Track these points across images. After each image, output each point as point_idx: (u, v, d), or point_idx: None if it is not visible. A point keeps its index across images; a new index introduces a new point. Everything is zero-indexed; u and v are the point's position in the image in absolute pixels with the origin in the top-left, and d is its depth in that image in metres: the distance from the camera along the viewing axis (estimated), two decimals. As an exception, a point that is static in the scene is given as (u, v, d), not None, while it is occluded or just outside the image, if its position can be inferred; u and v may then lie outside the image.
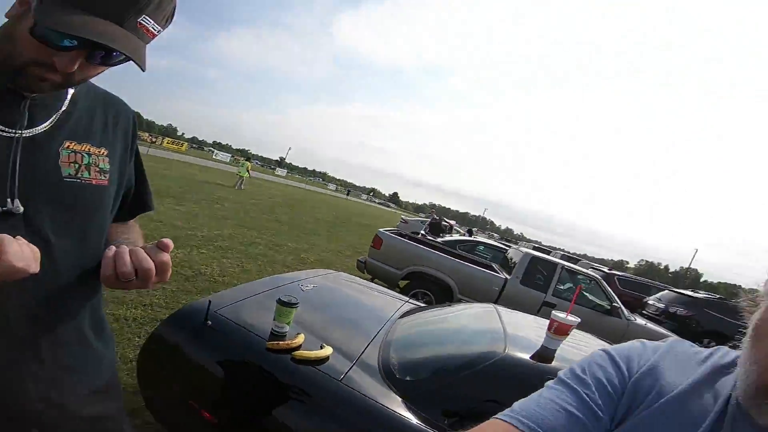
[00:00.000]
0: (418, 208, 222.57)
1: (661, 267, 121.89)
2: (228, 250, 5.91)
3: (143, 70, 0.62)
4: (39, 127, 0.66)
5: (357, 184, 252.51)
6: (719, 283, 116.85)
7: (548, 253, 25.07)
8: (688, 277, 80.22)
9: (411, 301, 3.23)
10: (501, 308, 2.51)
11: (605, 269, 16.69)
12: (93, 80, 0.70)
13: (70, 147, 0.70)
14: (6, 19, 0.62)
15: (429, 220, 15.11)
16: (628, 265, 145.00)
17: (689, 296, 10.56)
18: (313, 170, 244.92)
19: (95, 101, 0.78)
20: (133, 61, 0.60)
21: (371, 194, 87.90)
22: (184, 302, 3.35)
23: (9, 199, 0.61)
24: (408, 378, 1.71)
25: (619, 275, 14.78)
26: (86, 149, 0.72)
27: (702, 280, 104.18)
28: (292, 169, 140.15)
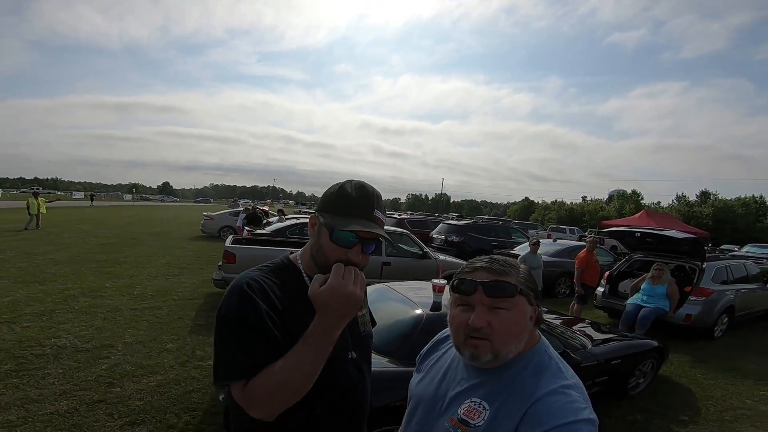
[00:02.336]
0: (198, 193, 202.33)
1: (423, 197, 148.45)
2: (58, 309, 5.02)
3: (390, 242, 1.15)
4: None
5: (109, 184, 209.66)
6: (462, 200, 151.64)
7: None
8: (442, 202, 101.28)
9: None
10: (389, 283, 3.52)
11: (396, 215, 18.74)
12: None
13: (359, 313, 1.15)
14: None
15: (239, 211, 14.78)
16: (400, 201, 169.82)
17: (456, 225, 13.74)
18: (34, 178, 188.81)
19: None
20: (382, 235, 1.03)
21: (134, 191, 75.07)
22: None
23: (351, 351, 1.10)
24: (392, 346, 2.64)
25: (406, 218, 17.84)
26: (363, 312, 1.17)
27: (451, 201, 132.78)
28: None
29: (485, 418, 0.89)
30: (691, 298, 5.91)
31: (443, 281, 2.70)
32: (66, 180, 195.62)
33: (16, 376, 3.35)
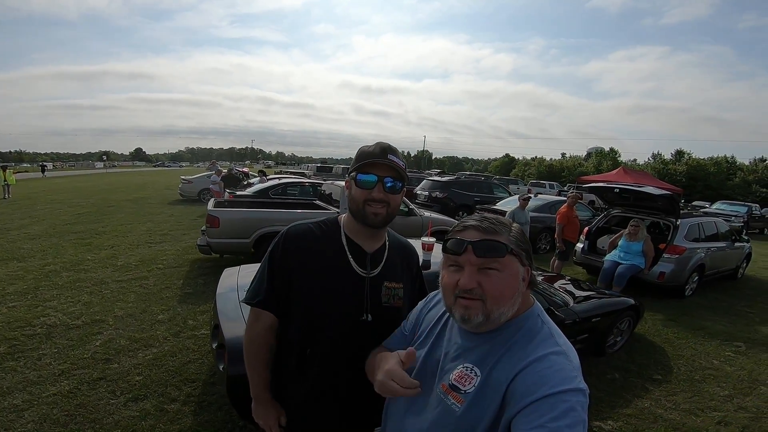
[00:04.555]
0: (173, 157, 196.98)
1: (406, 154, 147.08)
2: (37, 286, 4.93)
3: (407, 181, 1.23)
4: (375, 271, 1.25)
5: (78, 153, 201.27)
6: (444, 157, 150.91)
7: (331, 169, 27.49)
8: (424, 158, 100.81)
9: None
10: None
11: None
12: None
13: (388, 285, 1.26)
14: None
15: (212, 173, 14.42)
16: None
17: (440, 181, 13.88)
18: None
19: (397, 249, 1.35)
20: (404, 177, 1.20)
21: (105, 159, 71.14)
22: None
23: (366, 313, 1.21)
24: None
25: None
26: (393, 286, 1.27)
27: (433, 158, 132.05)
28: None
29: (476, 384, 0.87)
30: (665, 255, 6.03)
31: (432, 239, 2.67)
32: (31, 152, 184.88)
33: (12, 359, 3.32)
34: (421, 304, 1.20)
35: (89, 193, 18.21)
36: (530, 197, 7.28)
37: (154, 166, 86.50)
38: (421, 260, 2.75)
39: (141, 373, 3.21)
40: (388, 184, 1.18)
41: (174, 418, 2.71)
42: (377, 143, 1.23)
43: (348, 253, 1.23)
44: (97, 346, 3.61)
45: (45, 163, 53.70)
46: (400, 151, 1.24)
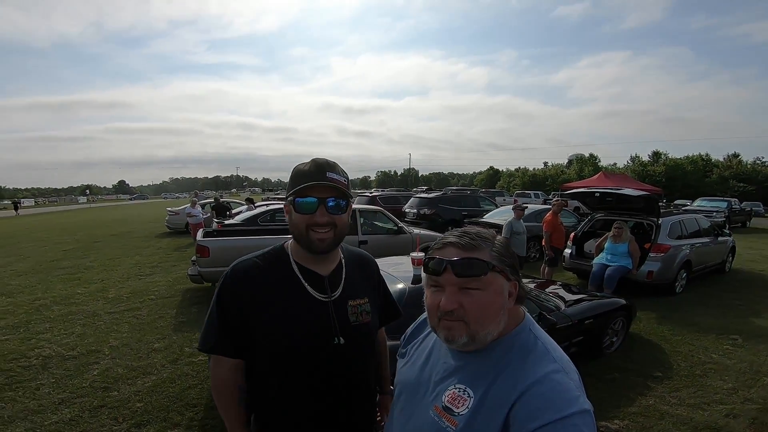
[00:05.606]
0: (158, 189, 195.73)
1: (392, 173, 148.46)
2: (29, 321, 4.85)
3: (350, 198, 1.16)
4: (336, 293, 1.19)
5: (59, 187, 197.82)
6: (430, 174, 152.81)
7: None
8: (411, 176, 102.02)
9: None
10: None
11: (367, 193, 19.07)
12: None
13: (352, 304, 1.21)
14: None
15: (191, 203, 14.25)
16: (371, 179, 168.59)
17: (426, 198, 14.12)
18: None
19: (353, 263, 1.29)
20: (347, 194, 1.13)
21: (88, 193, 69.97)
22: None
23: (337, 337, 1.15)
24: None
25: (378, 195, 17.91)
26: (358, 303, 1.22)
27: (420, 175, 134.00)
28: None
29: (470, 406, 0.82)
30: (651, 254, 6.13)
31: (422, 254, 2.74)
32: (11, 188, 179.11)
33: (10, 389, 3.34)
34: (411, 327, 1.18)
35: (72, 229, 17.94)
36: (526, 206, 7.31)
37: (131, 200, 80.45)
38: (412, 275, 2.86)
39: (141, 399, 3.21)
40: (331, 204, 1.11)
41: (178, 442, 2.71)
42: (312, 160, 1.15)
43: (302, 280, 1.16)
44: (95, 375, 3.60)
45: (19, 200, 51.26)
46: (341, 166, 1.17)
